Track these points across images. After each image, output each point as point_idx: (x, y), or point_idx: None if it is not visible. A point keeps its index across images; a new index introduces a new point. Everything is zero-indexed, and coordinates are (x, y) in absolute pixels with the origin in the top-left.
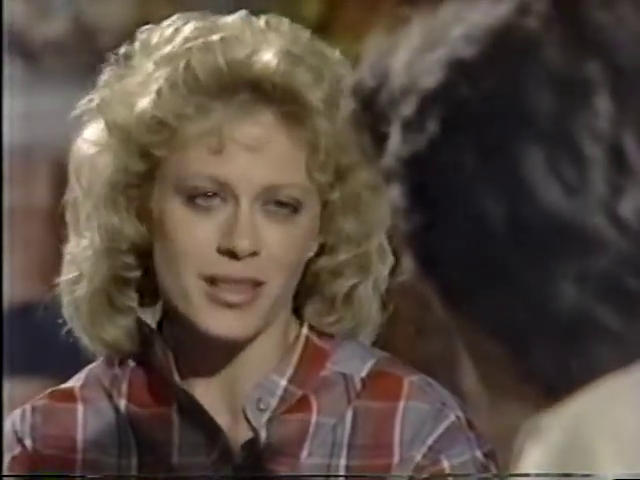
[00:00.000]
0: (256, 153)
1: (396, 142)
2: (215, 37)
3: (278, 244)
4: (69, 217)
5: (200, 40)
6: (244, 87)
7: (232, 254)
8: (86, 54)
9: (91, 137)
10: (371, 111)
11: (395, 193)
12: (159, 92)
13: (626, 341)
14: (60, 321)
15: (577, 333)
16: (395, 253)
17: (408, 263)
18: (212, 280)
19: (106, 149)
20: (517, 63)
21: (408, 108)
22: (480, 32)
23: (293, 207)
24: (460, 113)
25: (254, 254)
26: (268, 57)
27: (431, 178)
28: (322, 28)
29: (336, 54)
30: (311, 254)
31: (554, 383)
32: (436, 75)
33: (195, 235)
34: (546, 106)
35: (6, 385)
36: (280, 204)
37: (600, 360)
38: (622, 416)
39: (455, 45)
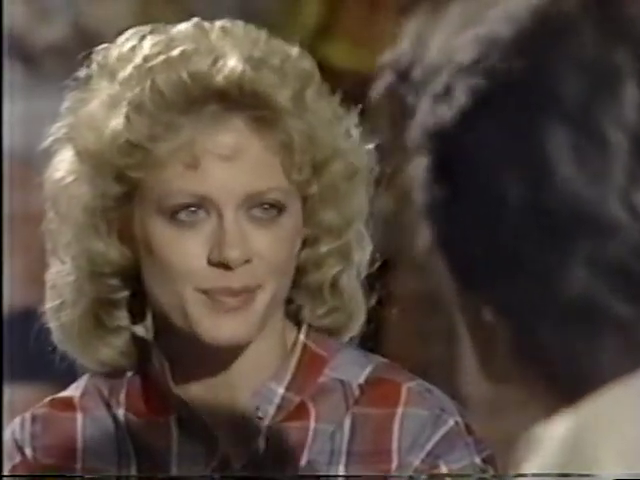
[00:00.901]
0: (232, 162)
1: (424, 114)
2: (175, 52)
3: (268, 248)
4: (48, 245)
5: (161, 57)
6: (211, 98)
7: (224, 266)
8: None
9: (64, 165)
10: (404, 86)
11: (419, 165)
12: (127, 115)
13: (635, 328)
14: None
15: (585, 318)
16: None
17: (424, 234)
18: (208, 292)
19: (81, 176)
20: (550, 45)
21: (440, 83)
22: (519, 11)
23: (277, 209)
24: (489, 89)
25: (246, 262)
26: (231, 64)
27: (456, 152)
28: (322, 31)
29: (296, 50)
30: (296, 248)
31: (558, 367)
32: (470, 51)
33: (184, 252)
34: (574, 90)
35: (6, 390)
36: (264, 208)
37: (607, 346)
38: (624, 425)
39: (493, 23)
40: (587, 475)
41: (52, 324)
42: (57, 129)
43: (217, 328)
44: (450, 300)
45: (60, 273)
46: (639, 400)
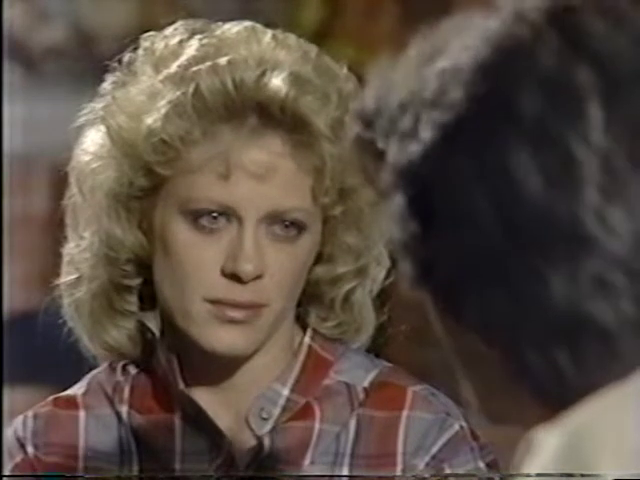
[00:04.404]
0: (263, 180)
1: (394, 154)
2: (223, 60)
3: (282, 266)
4: (69, 219)
5: (208, 62)
6: (252, 111)
7: (236, 278)
8: (86, 61)
9: (94, 146)
10: (371, 132)
11: (394, 204)
12: (167, 114)
13: (617, 339)
14: (60, 329)
15: (569, 332)
16: (393, 260)
17: (405, 272)
18: (215, 303)
19: (109, 160)
20: (511, 69)
21: (406, 121)
22: (477, 41)
23: (298, 229)
24: (454, 120)
25: (257, 277)
26: (277, 83)
27: (426, 186)
28: (322, 34)
29: (343, 70)
30: (309, 264)
31: (546, 381)
32: (433, 85)
33: (200, 257)
34: (539, 112)
35: (6, 393)
36: (285, 226)
37: (591, 357)
38: (621, 428)
39: (453, 55)
40: (590, 475)
41: (65, 300)
42: (91, 108)
43: (217, 338)
44: (441, 334)
45: (78, 248)
46: (634, 404)
